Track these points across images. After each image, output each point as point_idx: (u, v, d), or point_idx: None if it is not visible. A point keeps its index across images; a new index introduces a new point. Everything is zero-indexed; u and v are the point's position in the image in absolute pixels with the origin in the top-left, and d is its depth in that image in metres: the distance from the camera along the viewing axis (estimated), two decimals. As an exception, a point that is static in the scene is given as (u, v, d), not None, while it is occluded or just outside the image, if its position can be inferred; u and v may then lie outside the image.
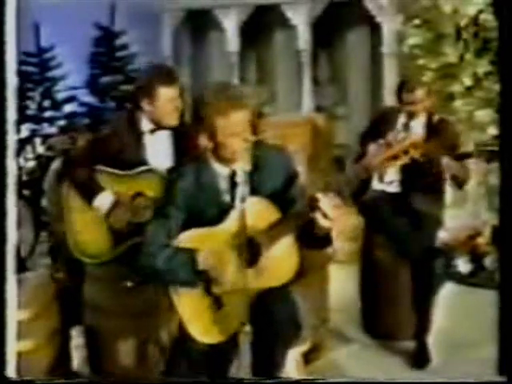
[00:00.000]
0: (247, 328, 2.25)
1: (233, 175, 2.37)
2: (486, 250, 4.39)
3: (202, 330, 2.32)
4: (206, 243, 2.32)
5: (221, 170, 2.39)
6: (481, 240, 4.44)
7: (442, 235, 3.54)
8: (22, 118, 5.65)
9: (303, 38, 6.21)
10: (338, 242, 3.76)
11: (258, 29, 6.55)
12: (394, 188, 3.51)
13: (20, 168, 5.05)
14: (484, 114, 4.79)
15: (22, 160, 5.23)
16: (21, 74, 5.57)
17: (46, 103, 5.95)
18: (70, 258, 2.92)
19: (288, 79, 6.60)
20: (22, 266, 3.87)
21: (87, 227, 2.87)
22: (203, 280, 2.31)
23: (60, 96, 5.99)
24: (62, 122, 5.89)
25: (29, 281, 3.03)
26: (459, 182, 3.38)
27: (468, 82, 4.83)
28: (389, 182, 3.50)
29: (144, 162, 2.88)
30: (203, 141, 2.34)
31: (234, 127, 2.29)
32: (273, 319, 2.28)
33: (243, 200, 2.32)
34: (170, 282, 2.34)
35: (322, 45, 6.40)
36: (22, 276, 3.02)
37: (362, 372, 3.19)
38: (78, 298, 3.03)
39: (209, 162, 2.39)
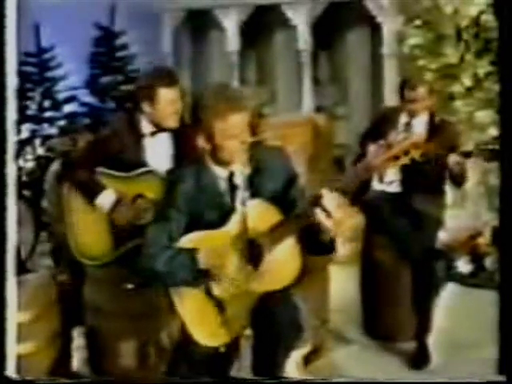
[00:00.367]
0: (249, 331, 2.25)
1: (231, 177, 2.37)
2: (486, 251, 4.39)
3: (205, 333, 2.32)
4: (208, 245, 2.31)
5: (219, 172, 2.39)
6: (481, 240, 4.43)
7: (443, 236, 3.54)
8: (22, 119, 5.65)
9: (303, 38, 6.19)
10: (339, 242, 3.75)
11: (258, 29, 6.54)
12: (394, 188, 3.51)
13: (20, 168, 5.05)
14: (484, 115, 4.79)
15: (21, 161, 5.22)
16: (21, 74, 5.57)
17: (46, 103, 5.94)
18: (71, 259, 2.93)
19: (288, 79, 6.59)
20: (22, 267, 3.87)
21: (88, 229, 2.88)
22: (204, 279, 2.30)
23: (60, 96, 5.98)
24: (62, 122, 5.88)
25: (29, 282, 3.03)
26: (458, 182, 3.38)
27: (468, 82, 4.83)
28: (389, 182, 3.50)
29: (144, 164, 2.88)
30: (201, 143, 2.34)
31: (232, 129, 2.28)
32: (275, 322, 2.28)
33: (243, 202, 2.33)
34: (171, 284, 2.34)
35: (323, 45, 6.39)
36: (23, 277, 3.01)
37: (362, 373, 3.18)
38: (78, 299, 3.03)
39: (208, 164, 2.39)
